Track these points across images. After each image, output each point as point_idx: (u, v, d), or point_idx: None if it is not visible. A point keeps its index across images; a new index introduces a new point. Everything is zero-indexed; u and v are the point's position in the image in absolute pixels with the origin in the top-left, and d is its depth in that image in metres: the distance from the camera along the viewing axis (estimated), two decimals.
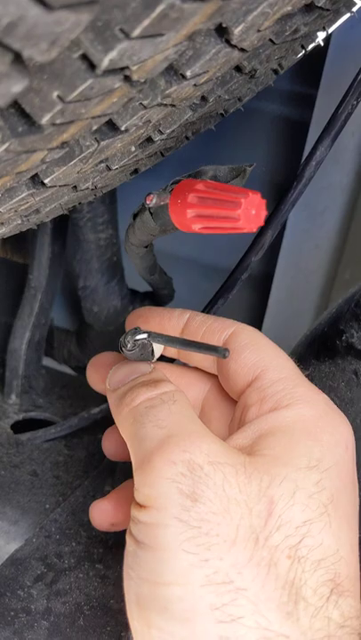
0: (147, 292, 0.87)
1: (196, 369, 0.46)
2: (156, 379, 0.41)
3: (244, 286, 0.97)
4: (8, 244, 0.91)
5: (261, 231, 0.46)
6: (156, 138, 0.39)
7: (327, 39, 0.73)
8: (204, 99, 0.37)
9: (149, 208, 0.40)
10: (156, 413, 0.37)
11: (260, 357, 0.40)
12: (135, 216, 0.45)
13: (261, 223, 0.32)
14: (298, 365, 0.42)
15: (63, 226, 0.83)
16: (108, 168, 0.41)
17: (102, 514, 0.46)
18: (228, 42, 0.29)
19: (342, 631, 0.32)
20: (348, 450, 0.38)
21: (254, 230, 0.32)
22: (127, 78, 0.26)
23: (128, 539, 0.36)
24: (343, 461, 0.37)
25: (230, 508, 0.33)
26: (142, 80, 0.27)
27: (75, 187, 0.41)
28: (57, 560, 0.54)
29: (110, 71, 0.25)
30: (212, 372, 0.45)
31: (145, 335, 0.41)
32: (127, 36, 0.23)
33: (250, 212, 0.32)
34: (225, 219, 0.32)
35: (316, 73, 0.77)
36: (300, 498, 0.34)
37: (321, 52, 0.75)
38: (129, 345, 0.41)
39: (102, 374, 0.45)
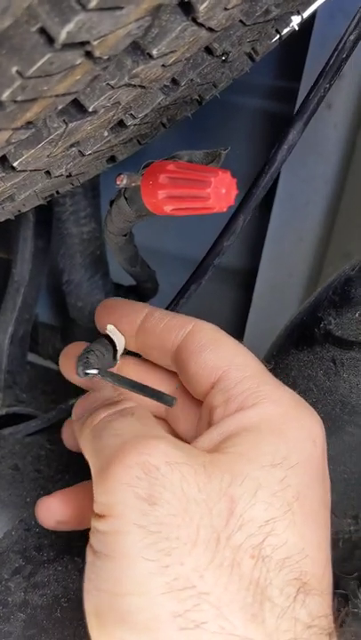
0: (131, 286, 0.86)
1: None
2: (118, 399, 0.40)
3: (227, 281, 0.97)
4: None
5: (233, 216, 0.46)
6: (129, 122, 0.39)
7: (308, 31, 0.73)
8: (175, 82, 0.37)
9: (124, 193, 0.40)
10: (113, 425, 0.37)
11: (221, 357, 0.39)
12: (112, 203, 0.45)
13: (232, 202, 0.32)
14: (269, 361, 0.42)
15: (47, 220, 0.82)
16: (81, 153, 0.40)
17: (48, 511, 0.45)
18: (194, 20, 0.29)
19: (310, 631, 0.32)
20: (317, 444, 0.37)
21: (225, 210, 0.32)
22: (89, 54, 0.26)
23: (87, 550, 0.35)
24: (311, 457, 0.36)
25: (190, 508, 0.32)
26: (106, 57, 0.27)
27: (48, 172, 0.41)
28: (36, 553, 0.54)
29: (70, 45, 0.24)
30: (173, 370, 0.43)
31: (95, 371, 0.41)
32: (84, 7, 0.22)
33: (220, 190, 0.31)
34: (195, 198, 0.32)
35: (299, 66, 0.77)
36: (262, 496, 0.33)
37: (303, 45, 0.75)
38: (81, 375, 0.41)
39: (74, 364, 0.44)
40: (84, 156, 0.41)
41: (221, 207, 0.31)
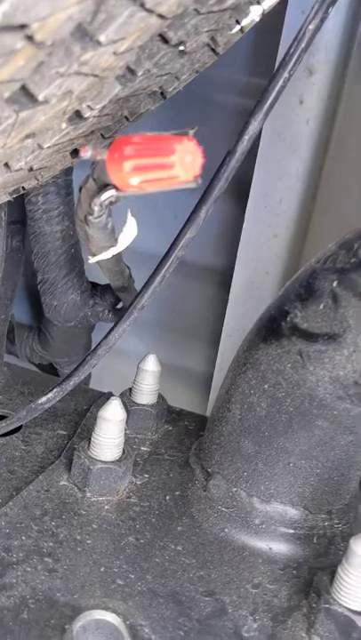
0: (107, 285, 0.86)
1: None
2: None
3: (205, 280, 0.96)
4: None
5: (196, 208, 0.46)
6: (87, 114, 0.38)
7: (280, 27, 0.73)
8: (131, 71, 0.36)
9: (92, 174, 0.39)
10: None
11: None
12: (81, 188, 0.45)
13: (198, 171, 0.32)
14: (247, 352, 0.39)
15: (21, 220, 0.81)
16: (40, 146, 0.40)
17: None
18: (142, 5, 0.29)
19: None
20: None
21: (191, 180, 0.32)
22: (30, 38, 0.26)
23: None
24: None
25: None
26: (49, 42, 0.27)
27: (7, 165, 0.41)
28: (4, 554, 0.53)
29: (8, 28, 0.24)
30: None
31: None
32: None
33: (185, 158, 0.31)
34: (161, 167, 0.32)
35: (271, 63, 0.76)
36: None
37: (275, 42, 0.75)
38: None
39: None
40: (42, 148, 0.40)
41: (187, 176, 0.31)
